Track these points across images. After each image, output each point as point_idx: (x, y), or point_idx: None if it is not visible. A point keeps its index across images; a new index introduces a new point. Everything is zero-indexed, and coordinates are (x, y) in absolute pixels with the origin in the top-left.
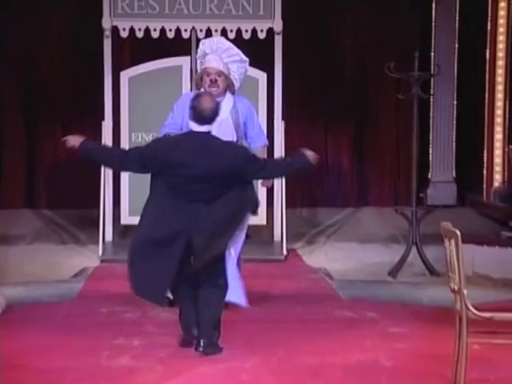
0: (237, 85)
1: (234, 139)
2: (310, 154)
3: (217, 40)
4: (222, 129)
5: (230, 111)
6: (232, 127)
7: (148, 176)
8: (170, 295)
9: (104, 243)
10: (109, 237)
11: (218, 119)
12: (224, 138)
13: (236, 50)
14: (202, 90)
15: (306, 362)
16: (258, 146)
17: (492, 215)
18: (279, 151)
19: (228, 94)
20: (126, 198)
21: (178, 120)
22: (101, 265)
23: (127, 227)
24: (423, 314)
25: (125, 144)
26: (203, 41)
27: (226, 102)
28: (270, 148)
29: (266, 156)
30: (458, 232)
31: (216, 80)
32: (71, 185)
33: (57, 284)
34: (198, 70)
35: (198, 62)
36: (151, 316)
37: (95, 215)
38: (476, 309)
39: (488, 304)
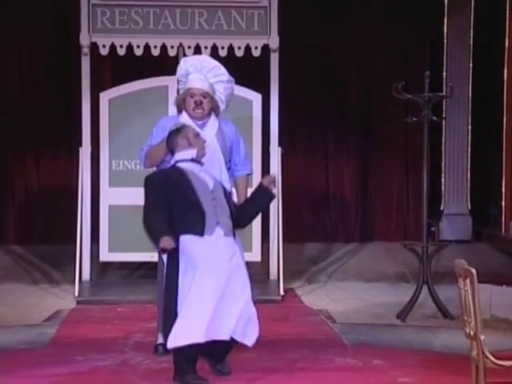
0: (222, 106)
1: (222, 163)
2: (270, 182)
3: (202, 58)
4: (209, 153)
5: (216, 134)
6: (219, 151)
7: (127, 210)
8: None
9: (81, 282)
10: (86, 275)
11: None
12: (211, 163)
13: (223, 70)
14: (184, 113)
15: None
16: (241, 175)
17: (511, 251)
18: (276, 181)
19: (213, 117)
20: (105, 232)
21: None
22: (77, 307)
23: (107, 265)
24: (435, 361)
25: (104, 172)
26: (185, 58)
27: (211, 125)
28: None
29: (248, 185)
30: (474, 270)
31: (201, 102)
32: (44, 218)
33: (27, 329)
34: (179, 91)
35: (180, 83)
36: (132, 364)
37: (71, 251)
38: (494, 357)
39: (508, 351)
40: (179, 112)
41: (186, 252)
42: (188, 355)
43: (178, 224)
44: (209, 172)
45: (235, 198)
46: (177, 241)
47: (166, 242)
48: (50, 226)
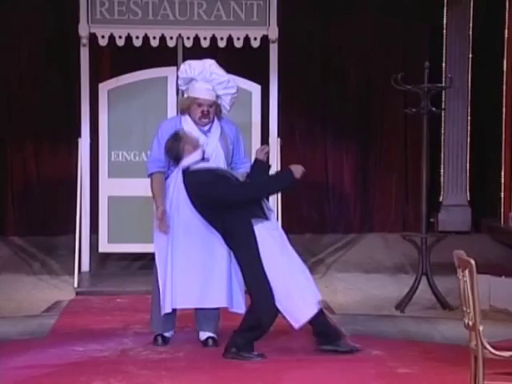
0: (225, 112)
1: (226, 166)
2: (296, 169)
3: (210, 68)
4: (214, 158)
5: (219, 139)
6: (223, 155)
7: (127, 201)
8: (167, 334)
9: (80, 273)
10: (85, 266)
11: (209, 149)
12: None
13: (232, 82)
14: (187, 117)
15: None
16: (241, 173)
17: (511, 242)
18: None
19: (216, 122)
20: (104, 223)
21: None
22: (76, 297)
23: (106, 256)
24: (434, 352)
25: (103, 163)
26: (191, 63)
27: (215, 131)
28: None
29: None
30: (473, 261)
31: (208, 112)
32: (43, 209)
33: (27, 319)
34: (183, 92)
35: (181, 82)
36: (132, 355)
37: (70, 242)
38: (493, 347)
39: (507, 342)
40: (182, 114)
41: (262, 239)
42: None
43: (245, 212)
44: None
45: None
46: (250, 227)
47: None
48: (49, 217)
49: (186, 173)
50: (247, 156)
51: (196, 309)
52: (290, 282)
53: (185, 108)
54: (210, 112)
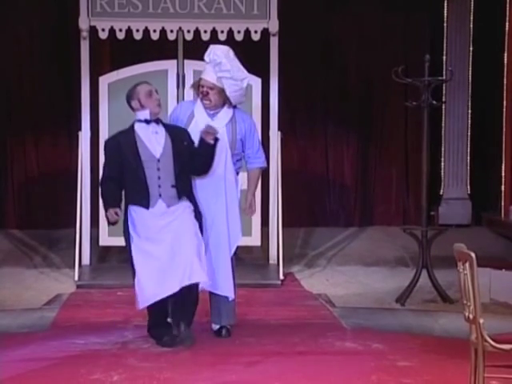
0: (232, 101)
1: (228, 154)
2: (203, 133)
3: (214, 50)
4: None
5: (226, 125)
6: (227, 140)
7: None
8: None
9: (80, 267)
10: (86, 260)
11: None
12: (217, 153)
13: (228, 67)
14: (198, 99)
15: None
16: (254, 167)
17: (511, 236)
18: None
19: (225, 108)
20: (104, 217)
21: None
22: (77, 291)
23: (107, 249)
24: (434, 345)
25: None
26: (211, 46)
27: (222, 116)
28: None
29: (260, 179)
30: (473, 254)
31: (207, 93)
32: (44, 202)
33: (27, 312)
34: (184, 84)
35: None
36: (132, 348)
37: (70, 236)
38: (494, 340)
39: (507, 335)
40: (197, 95)
41: (132, 221)
42: (156, 313)
43: (127, 194)
44: (160, 129)
45: (243, 185)
46: (126, 208)
47: (110, 214)
48: (49, 210)
49: (129, 128)
50: (263, 152)
51: (210, 301)
52: (146, 265)
53: (195, 88)
54: (210, 94)
